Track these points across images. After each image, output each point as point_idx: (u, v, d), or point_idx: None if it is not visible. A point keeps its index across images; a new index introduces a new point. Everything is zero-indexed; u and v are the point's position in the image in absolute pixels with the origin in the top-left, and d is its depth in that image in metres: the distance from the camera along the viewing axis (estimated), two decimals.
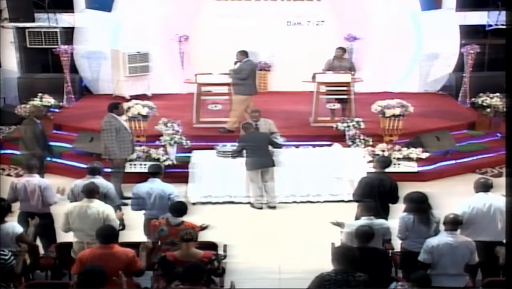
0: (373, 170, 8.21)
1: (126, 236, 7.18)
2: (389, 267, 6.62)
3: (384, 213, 7.65)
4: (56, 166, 10.98)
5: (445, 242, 6.30)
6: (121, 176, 9.95)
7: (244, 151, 9.98)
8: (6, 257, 5.75)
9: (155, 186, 7.78)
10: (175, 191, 7.83)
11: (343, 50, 12.92)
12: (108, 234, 6.12)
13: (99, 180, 7.75)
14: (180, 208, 6.89)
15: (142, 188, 7.82)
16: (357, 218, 7.21)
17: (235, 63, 12.00)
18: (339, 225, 7.12)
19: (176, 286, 5.57)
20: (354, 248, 5.87)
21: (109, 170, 9.64)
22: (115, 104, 10.04)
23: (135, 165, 10.84)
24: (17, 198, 7.74)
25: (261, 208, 9.93)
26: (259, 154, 9.84)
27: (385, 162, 8.21)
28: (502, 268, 6.47)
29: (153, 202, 7.67)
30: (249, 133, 10.10)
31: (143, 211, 7.84)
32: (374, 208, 6.95)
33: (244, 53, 11.98)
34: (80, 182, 7.59)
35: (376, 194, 7.66)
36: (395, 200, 7.78)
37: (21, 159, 9.91)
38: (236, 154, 10.02)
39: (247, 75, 11.84)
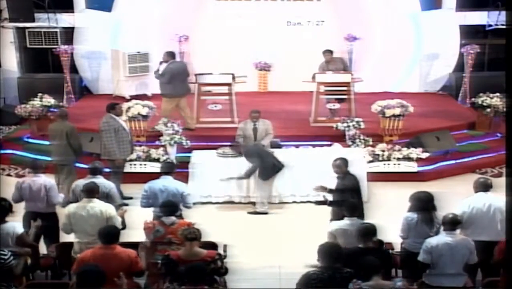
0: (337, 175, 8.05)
1: (126, 236, 7.18)
2: (390, 267, 6.63)
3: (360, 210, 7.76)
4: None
5: (444, 242, 6.29)
6: (121, 176, 9.95)
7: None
8: (6, 257, 5.75)
9: (168, 183, 7.81)
10: (187, 189, 7.90)
11: (330, 52, 12.80)
12: (110, 234, 6.11)
13: (101, 180, 7.77)
14: (171, 206, 6.92)
15: (155, 185, 7.83)
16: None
17: (160, 63, 12.21)
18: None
19: (169, 287, 5.59)
20: (338, 244, 5.87)
21: (107, 170, 9.62)
22: (113, 104, 10.05)
23: (135, 165, 10.84)
24: (22, 197, 7.78)
25: (266, 213, 9.88)
26: (267, 164, 9.81)
27: (347, 161, 8.12)
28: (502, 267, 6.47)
29: (166, 199, 7.66)
30: (249, 149, 9.96)
31: (152, 209, 7.85)
32: (358, 208, 6.96)
33: (170, 55, 12.19)
34: (82, 182, 7.60)
35: (355, 195, 7.74)
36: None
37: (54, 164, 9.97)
38: (250, 173, 9.90)
39: (169, 79, 11.95)
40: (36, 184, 7.77)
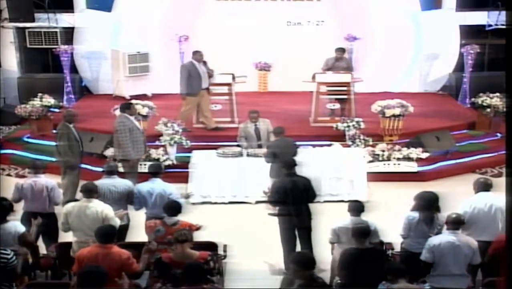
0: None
1: (132, 236, 7.21)
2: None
3: (307, 215, 7.70)
4: (56, 166, 10.98)
5: (447, 241, 6.28)
6: (136, 175, 9.97)
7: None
8: (9, 257, 5.75)
9: (156, 185, 7.81)
10: (175, 190, 7.85)
11: (342, 50, 12.95)
12: (106, 233, 6.10)
13: (120, 180, 7.87)
14: (174, 207, 6.91)
15: (143, 187, 7.86)
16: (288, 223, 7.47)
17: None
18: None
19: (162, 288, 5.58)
20: (308, 253, 5.91)
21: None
22: (128, 104, 10.11)
23: None
24: (21, 198, 7.81)
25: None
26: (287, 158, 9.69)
27: (292, 163, 8.04)
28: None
29: (154, 201, 7.70)
30: (281, 140, 9.79)
31: (145, 210, 7.86)
32: (361, 207, 6.94)
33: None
34: (98, 182, 7.56)
35: (290, 196, 7.62)
36: (313, 197, 7.82)
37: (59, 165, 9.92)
38: (269, 158, 9.68)
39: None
40: (38, 185, 7.80)
